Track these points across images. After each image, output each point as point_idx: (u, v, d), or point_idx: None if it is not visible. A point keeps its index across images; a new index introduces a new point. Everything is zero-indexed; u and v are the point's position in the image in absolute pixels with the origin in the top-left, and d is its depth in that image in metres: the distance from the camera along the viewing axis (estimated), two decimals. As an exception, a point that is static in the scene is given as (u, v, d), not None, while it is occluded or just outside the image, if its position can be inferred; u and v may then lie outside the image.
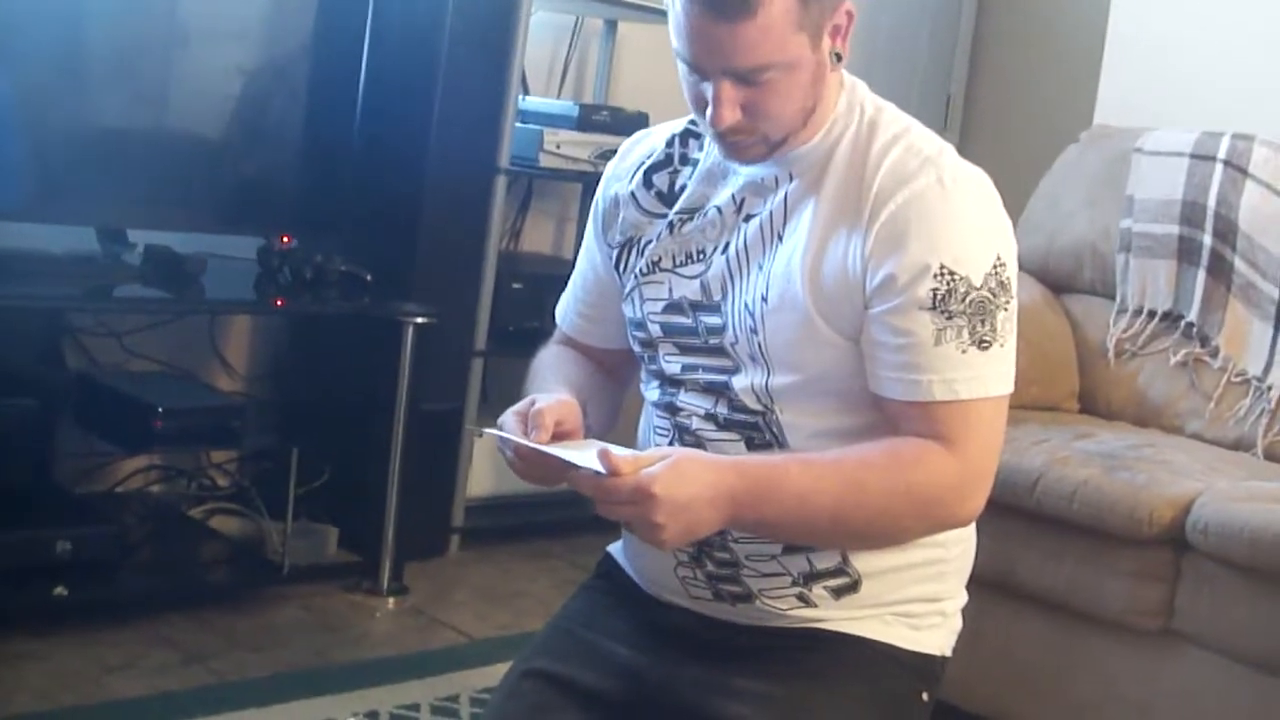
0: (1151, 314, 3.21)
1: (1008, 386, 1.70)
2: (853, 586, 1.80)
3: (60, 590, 2.76)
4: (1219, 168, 3.14)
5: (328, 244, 3.26)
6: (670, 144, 1.86)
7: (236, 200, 3.27)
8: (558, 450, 1.67)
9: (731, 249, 1.76)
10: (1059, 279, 3.37)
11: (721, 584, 1.83)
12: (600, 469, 1.60)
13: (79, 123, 3.00)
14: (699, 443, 1.81)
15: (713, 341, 1.78)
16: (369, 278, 3.24)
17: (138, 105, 3.09)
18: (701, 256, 1.80)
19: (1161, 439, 2.95)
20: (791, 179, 1.72)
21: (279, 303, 3.22)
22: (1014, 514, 2.64)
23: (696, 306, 1.80)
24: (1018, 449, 2.69)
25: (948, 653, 1.93)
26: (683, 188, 1.82)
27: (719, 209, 1.78)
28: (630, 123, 3.60)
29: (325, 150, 3.28)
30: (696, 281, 1.79)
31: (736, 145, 1.70)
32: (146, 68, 3.10)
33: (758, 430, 1.77)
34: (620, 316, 1.91)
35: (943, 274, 1.64)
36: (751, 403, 1.77)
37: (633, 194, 1.86)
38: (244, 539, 3.33)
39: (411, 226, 3.39)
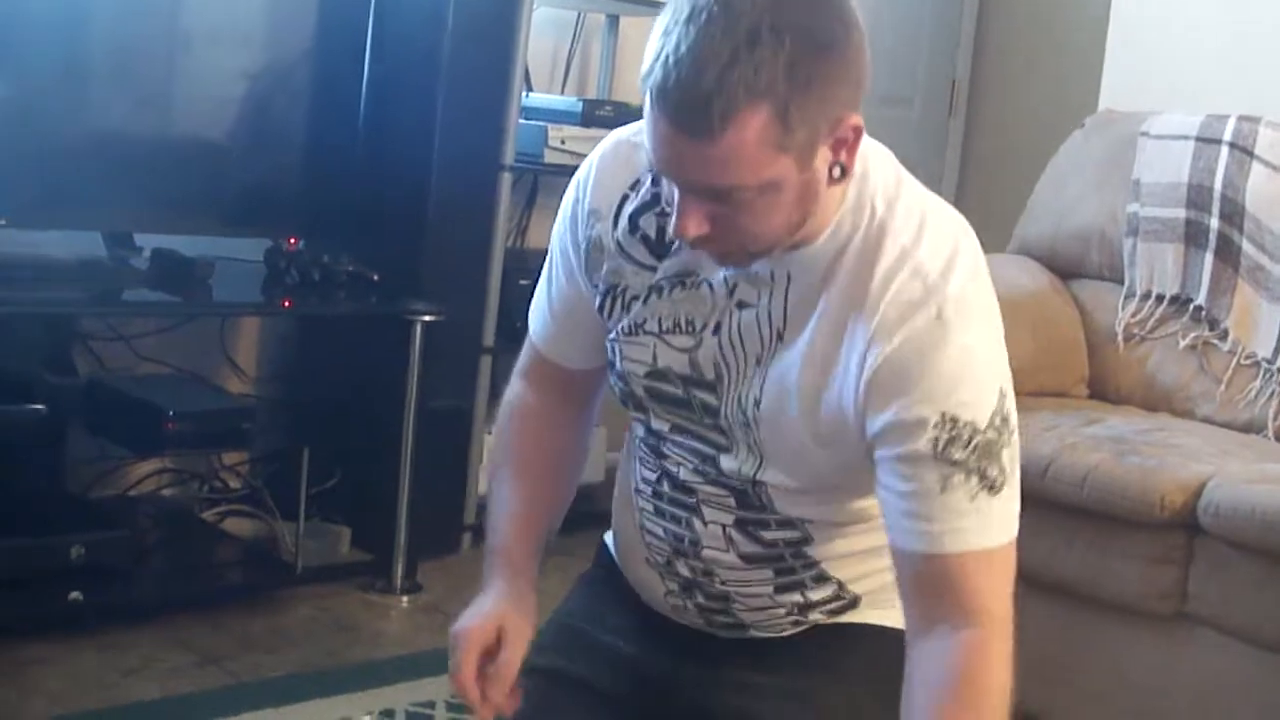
0: (1160, 298, 3.20)
1: (1015, 527, 1.61)
2: (852, 604, 1.79)
3: (75, 595, 2.77)
4: (1225, 150, 3.14)
5: (334, 244, 3.27)
6: (656, 180, 1.62)
7: (242, 203, 3.27)
8: None
9: (724, 332, 1.63)
10: (1066, 264, 3.36)
11: (713, 614, 1.82)
12: None
13: (83, 128, 3.01)
14: (687, 490, 1.76)
15: (708, 420, 1.68)
16: (376, 277, 3.24)
17: (141, 109, 3.09)
18: (691, 329, 1.66)
19: (1172, 423, 2.95)
20: (790, 279, 1.57)
21: (287, 304, 3.22)
22: (1024, 500, 2.61)
23: (688, 381, 1.68)
24: (1028, 436, 2.66)
25: None
26: (671, 242, 1.64)
27: (710, 284, 1.62)
28: (634, 117, 3.59)
29: (330, 151, 3.29)
30: (685, 356, 1.67)
31: (710, 252, 1.55)
32: (149, 72, 3.11)
33: (747, 495, 1.74)
34: (600, 336, 1.77)
35: (944, 423, 1.52)
36: (739, 481, 1.70)
37: (618, 242, 1.68)
38: (257, 540, 3.34)
39: (418, 225, 3.39)
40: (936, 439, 1.52)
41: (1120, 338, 3.22)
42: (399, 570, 3.26)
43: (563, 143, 3.60)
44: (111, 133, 3.05)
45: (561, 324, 1.81)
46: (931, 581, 1.61)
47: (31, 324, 2.92)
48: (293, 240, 3.22)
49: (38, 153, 2.92)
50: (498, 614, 1.71)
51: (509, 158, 3.51)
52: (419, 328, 3.15)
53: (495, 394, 3.53)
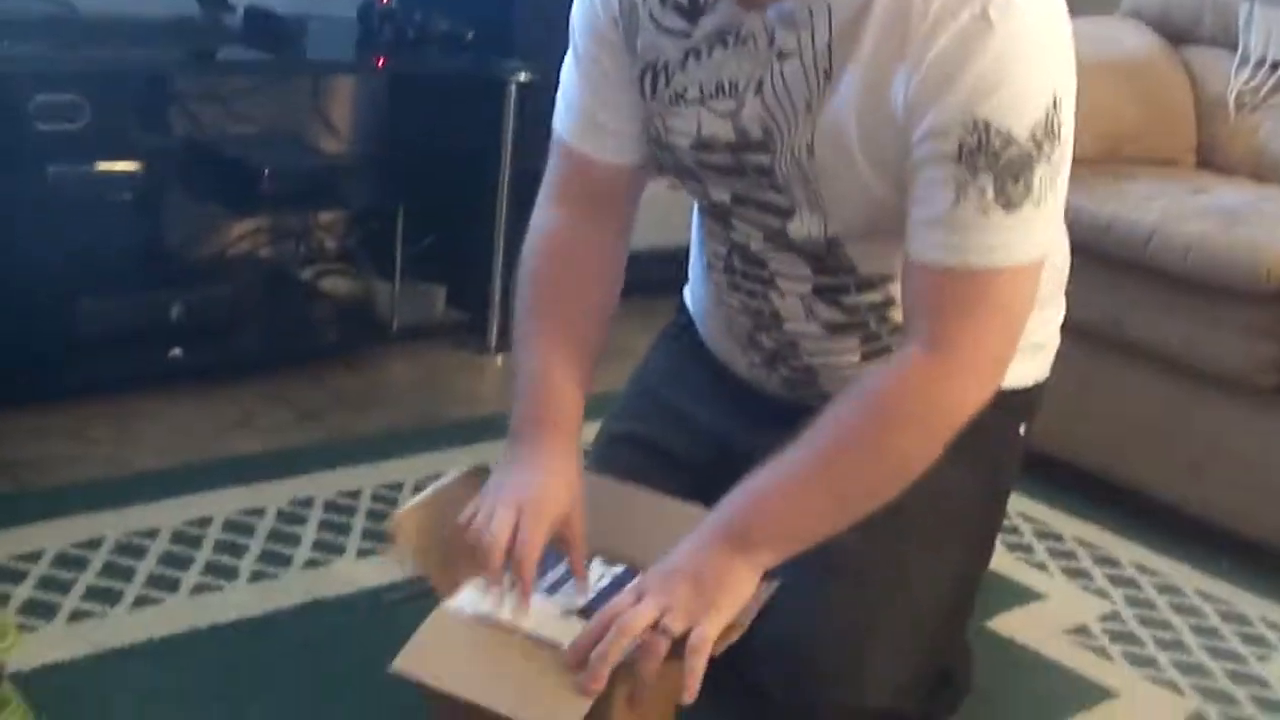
0: (1275, 65, 3.09)
1: (1036, 251, 1.53)
2: None
3: (176, 352, 2.81)
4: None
5: (428, 2, 3.22)
6: None
7: (335, -42, 3.23)
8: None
9: (767, 88, 1.58)
10: (1178, 29, 3.25)
11: (799, 387, 1.81)
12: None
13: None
14: (759, 262, 1.73)
15: (764, 182, 1.64)
16: (470, 36, 3.20)
17: None
18: (733, 91, 1.60)
19: (1282, 194, 2.88)
20: (830, 11, 1.51)
21: (380, 63, 3.19)
22: (1126, 269, 2.60)
23: (735, 147, 1.64)
24: (1131, 204, 2.63)
25: (1044, 377, 1.89)
26: (703, 3, 1.59)
27: (753, 37, 1.56)
28: None
29: (423, -95, 3.22)
30: (728, 122, 1.62)
31: None
32: None
33: (824, 259, 1.70)
34: (632, 123, 1.72)
35: (977, 127, 1.45)
36: (813, 245, 1.67)
37: (651, 14, 1.63)
38: (353, 299, 3.36)
39: (512, -16, 3.33)
40: (962, 144, 1.46)
41: (1231, 106, 3.12)
42: (493, 329, 3.29)
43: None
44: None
45: (591, 110, 1.74)
46: (913, 294, 1.56)
47: (126, 84, 2.91)
48: (385, -2, 3.18)
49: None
50: (567, 502, 1.66)
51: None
52: (513, 87, 3.12)
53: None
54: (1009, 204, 1.48)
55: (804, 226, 1.64)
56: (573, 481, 1.68)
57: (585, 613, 1.61)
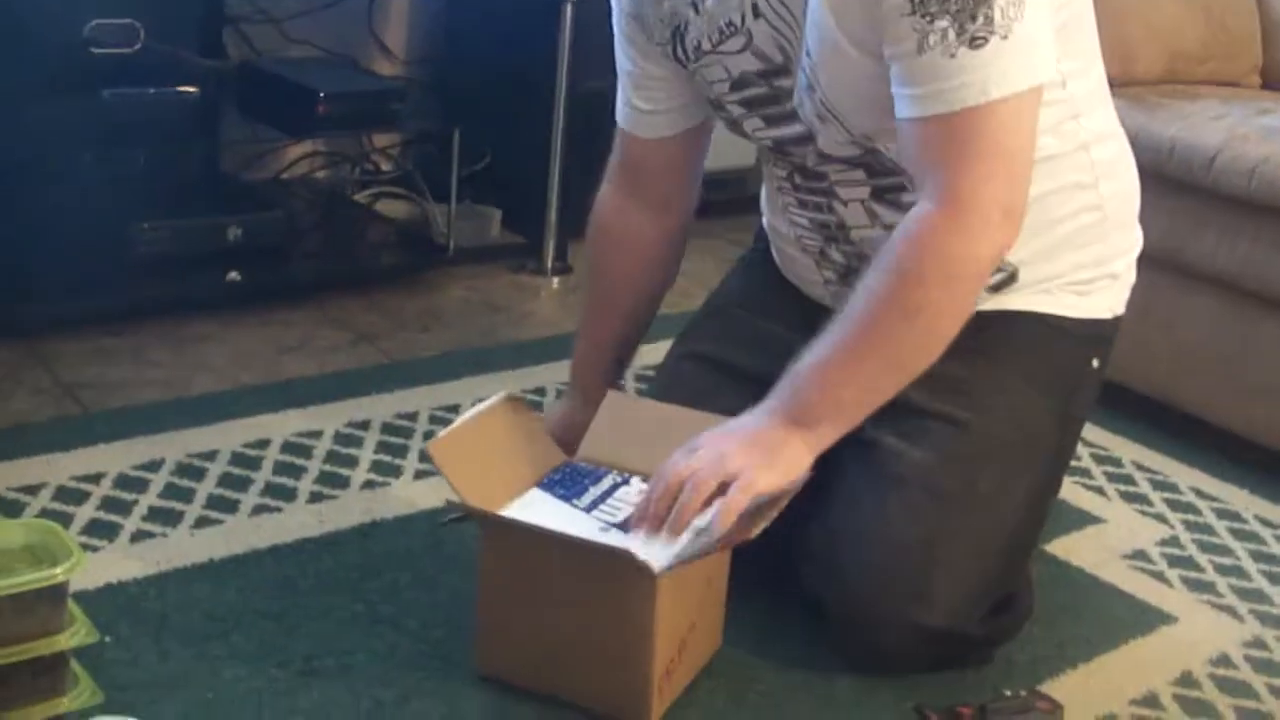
0: (1343, -19, 3.04)
1: (1018, 82, 1.53)
2: (1011, 278, 1.77)
3: (233, 275, 2.83)
4: None
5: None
6: None
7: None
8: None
9: (762, 5, 1.65)
10: (1244, -56, 3.19)
11: None
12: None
13: None
14: (818, 175, 1.76)
15: (789, 105, 1.71)
16: (525, -45, 3.18)
17: None
18: (734, 28, 1.69)
19: (1349, 114, 2.83)
20: None
21: (436, -16, 3.18)
22: (1188, 192, 2.56)
23: (764, 75, 1.70)
24: (1193, 125, 2.59)
25: (1120, 311, 1.89)
26: None
27: None
28: None
29: None
30: (747, 55, 1.69)
31: None
32: None
33: (871, 162, 1.72)
34: (673, 101, 1.85)
35: None
36: (852, 153, 1.71)
37: None
38: (409, 222, 3.37)
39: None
40: None
41: (1298, 23, 3.07)
42: (549, 251, 3.28)
43: None
44: None
45: (629, 90, 1.88)
46: (910, 157, 1.60)
47: (181, 7, 2.90)
48: (440, -83, 3.16)
49: None
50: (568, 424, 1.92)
51: None
52: (569, 7, 3.10)
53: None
54: (973, 41, 1.50)
55: (828, 137, 1.68)
56: (576, 420, 1.91)
57: (623, 527, 1.63)
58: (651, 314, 2.03)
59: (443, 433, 1.70)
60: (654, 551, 1.56)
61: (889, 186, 1.72)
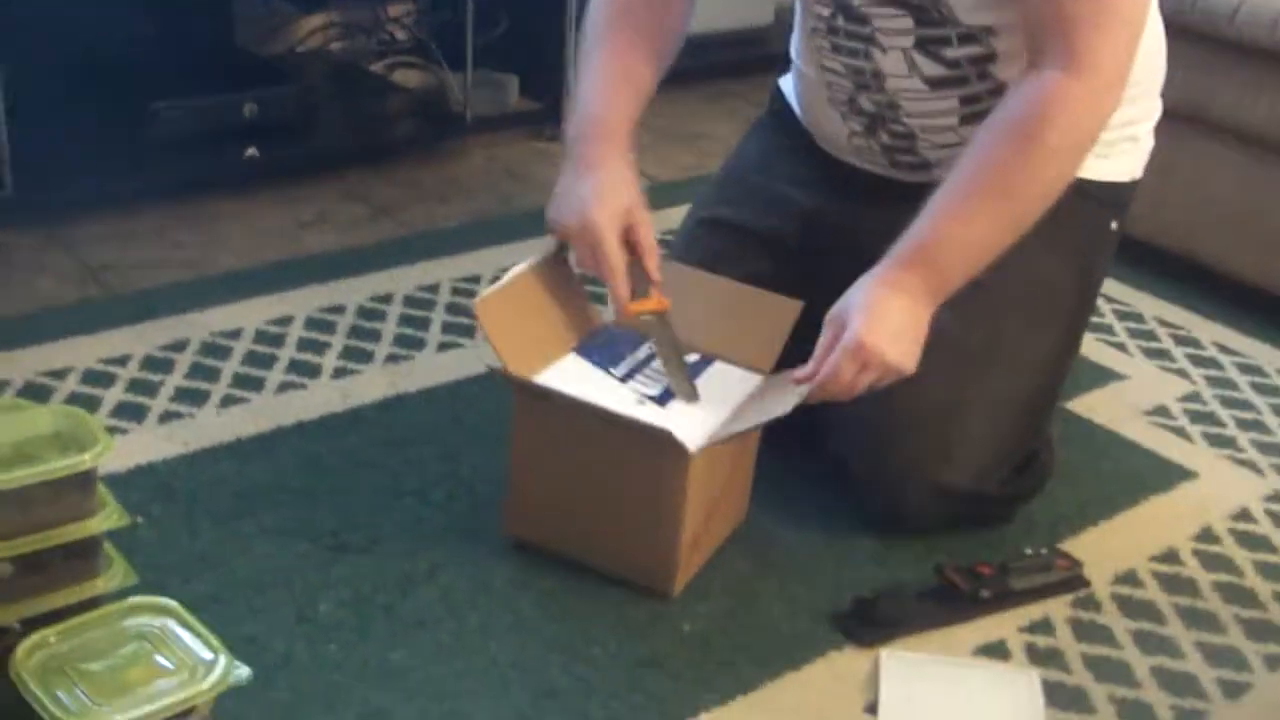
0: None
1: None
2: None
3: (251, 151, 2.82)
4: None
5: None
6: None
7: None
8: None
9: None
10: None
11: (897, 154, 1.80)
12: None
13: None
14: (862, 19, 1.73)
15: None
16: None
17: None
18: None
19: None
20: None
21: None
22: (1210, 44, 2.53)
23: None
24: (1216, -27, 2.55)
25: (1138, 175, 1.89)
26: None
27: None
28: None
29: None
30: None
31: None
32: None
33: (925, 9, 1.70)
34: None
35: None
36: None
37: None
38: (426, 91, 3.34)
39: None
40: None
41: None
42: (567, 117, 3.26)
43: None
44: None
45: None
46: (1037, 19, 1.59)
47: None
48: None
49: None
50: (626, 200, 1.71)
51: None
52: None
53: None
54: None
55: None
56: (628, 178, 1.73)
57: (660, 400, 1.65)
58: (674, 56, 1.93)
59: (488, 291, 1.71)
60: (690, 427, 1.57)
61: (934, 38, 1.72)
